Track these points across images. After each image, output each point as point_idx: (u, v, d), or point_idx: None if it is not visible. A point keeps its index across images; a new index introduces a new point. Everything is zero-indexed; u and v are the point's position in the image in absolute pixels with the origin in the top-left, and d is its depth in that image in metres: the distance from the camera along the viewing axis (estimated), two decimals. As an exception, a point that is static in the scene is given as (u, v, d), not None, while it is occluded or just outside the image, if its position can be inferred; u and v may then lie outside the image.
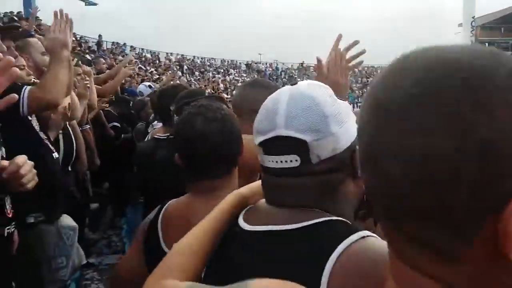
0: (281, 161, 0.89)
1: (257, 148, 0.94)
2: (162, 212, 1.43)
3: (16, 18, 8.40)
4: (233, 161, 1.38)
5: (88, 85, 3.57)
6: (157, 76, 17.84)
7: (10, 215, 1.52)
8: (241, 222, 0.96)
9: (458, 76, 0.45)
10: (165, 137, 2.44)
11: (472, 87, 0.44)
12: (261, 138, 0.91)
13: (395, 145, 0.47)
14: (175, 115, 2.12)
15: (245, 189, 1.05)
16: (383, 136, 0.48)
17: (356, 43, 1.71)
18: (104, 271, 4.59)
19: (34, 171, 1.49)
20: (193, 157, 1.37)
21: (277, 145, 0.89)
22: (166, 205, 1.44)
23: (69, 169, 3.33)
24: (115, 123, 5.30)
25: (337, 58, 1.65)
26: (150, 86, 5.41)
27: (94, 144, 4.28)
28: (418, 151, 0.45)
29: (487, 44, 58.05)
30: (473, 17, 56.40)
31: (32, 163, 1.49)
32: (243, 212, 1.00)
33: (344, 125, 0.88)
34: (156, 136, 2.56)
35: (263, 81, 1.92)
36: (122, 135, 5.34)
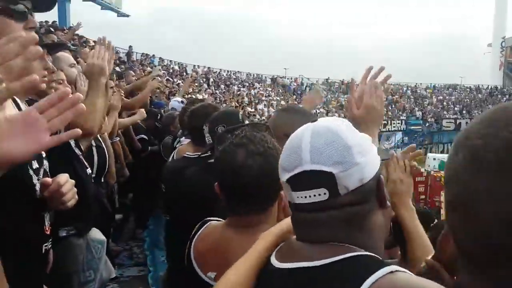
0: (310, 196, 0.91)
1: (285, 185, 0.96)
2: (198, 235, 1.44)
3: (52, 29, 8.62)
4: (273, 197, 1.34)
5: (123, 97, 3.66)
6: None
7: (48, 232, 1.55)
8: (273, 260, 0.99)
9: None
10: (195, 156, 2.46)
11: None
12: (288, 175, 0.93)
13: (493, 192, 0.50)
14: (208, 136, 2.14)
15: (276, 228, 1.08)
16: (480, 182, 0.51)
17: (382, 69, 1.73)
18: (126, 283, 4.62)
19: (75, 189, 1.52)
20: (232, 189, 1.34)
21: (304, 180, 0.91)
22: (203, 228, 1.45)
23: (102, 180, 3.40)
24: (143, 136, 5.38)
25: (370, 85, 1.67)
26: (182, 102, 5.48)
27: (123, 156, 4.35)
28: None
29: (516, 64, 56.72)
30: (503, 37, 55.62)
31: (73, 181, 1.52)
32: (275, 250, 1.02)
33: (367, 155, 0.91)
34: (185, 155, 2.59)
35: (297, 107, 1.97)
36: (149, 148, 5.42)
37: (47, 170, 1.56)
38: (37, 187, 1.46)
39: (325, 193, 0.89)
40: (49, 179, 1.47)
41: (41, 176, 1.48)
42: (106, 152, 3.39)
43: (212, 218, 1.49)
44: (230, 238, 1.34)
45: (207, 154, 2.23)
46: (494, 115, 0.55)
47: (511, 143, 0.50)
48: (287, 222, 1.06)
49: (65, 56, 3.08)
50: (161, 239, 4.83)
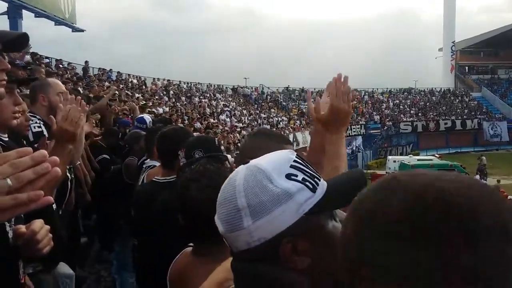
0: None
1: None
2: (174, 261, 1.52)
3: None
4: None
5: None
6: (144, 102, 17.82)
7: (23, 281, 1.48)
8: None
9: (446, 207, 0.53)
10: (165, 181, 2.44)
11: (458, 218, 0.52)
12: None
13: (377, 255, 0.54)
14: (184, 161, 2.14)
15: (223, 272, 1.09)
16: (365, 245, 0.56)
17: (346, 78, 1.80)
18: (95, 310, 4.48)
19: (50, 235, 1.45)
20: (188, 221, 1.45)
21: None
22: (179, 254, 1.52)
23: (60, 211, 3.25)
24: (105, 156, 5.24)
25: (338, 89, 1.74)
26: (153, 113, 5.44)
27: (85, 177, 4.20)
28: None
29: (467, 68, 59.69)
30: (453, 42, 57.99)
31: (48, 227, 1.45)
32: None
33: (262, 218, 0.83)
34: (154, 179, 2.55)
35: (265, 131, 2.02)
36: (112, 167, 5.28)
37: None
38: (10, 234, 1.39)
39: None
40: (23, 228, 1.40)
41: (13, 223, 1.41)
42: (69, 180, 3.25)
43: (191, 244, 1.53)
44: (191, 266, 1.40)
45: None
46: (388, 185, 0.60)
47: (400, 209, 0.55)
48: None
49: (55, 83, 3.08)
50: (129, 261, 4.72)
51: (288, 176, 0.86)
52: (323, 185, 0.89)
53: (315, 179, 0.89)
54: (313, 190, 0.87)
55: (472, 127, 45.36)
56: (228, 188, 0.88)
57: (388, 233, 0.54)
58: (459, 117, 46.26)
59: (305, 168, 0.89)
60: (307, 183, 0.86)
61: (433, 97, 51.00)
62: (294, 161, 0.90)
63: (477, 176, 25.11)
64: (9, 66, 1.40)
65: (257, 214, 0.83)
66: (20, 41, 1.39)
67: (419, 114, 46.57)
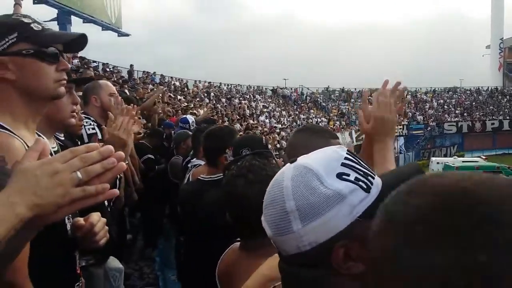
0: None
1: None
2: (222, 257, 1.54)
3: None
4: None
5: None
6: (186, 104, 18.13)
7: (79, 271, 1.56)
8: None
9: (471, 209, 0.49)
10: (210, 179, 2.50)
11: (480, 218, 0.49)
12: None
13: (398, 258, 0.52)
14: (231, 158, 2.18)
15: (267, 270, 1.10)
16: (387, 245, 0.54)
17: (398, 84, 1.74)
18: (138, 305, 4.61)
19: (106, 228, 1.54)
20: (235, 217, 1.45)
21: None
22: (227, 250, 1.53)
23: (109, 208, 3.39)
24: (150, 155, 5.39)
25: (383, 95, 1.68)
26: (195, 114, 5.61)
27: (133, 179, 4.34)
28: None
29: (516, 65, 56.70)
30: (501, 39, 55.68)
31: (105, 220, 1.54)
32: None
33: (312, 222, 0.79)
34: (200, 178, 2.61)
35: (313, 127, 1.98)
36: (156, 167, 5.43)
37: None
38: (68, 227, 1.47)
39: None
40: (81, 221, 1.48)
41: (70, 215, 1.48)
42: (118, 177, 3.39)
43: (238, 239, 1.55)
44: (238, 261, 1.41)
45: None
46: (415, 183, 0.58)
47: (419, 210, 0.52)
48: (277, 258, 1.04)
49: (106, 84, 3.18)
50: (171, 259, 4.83)
51: (340, 176, 0.81)
52: (377, 183, 0.83)
53: (369, 177, 0.83)
54: (367, 190, 0.81)
55: (521, 127, 43.39)
56: (275, 190, 0.84)
57: (407, 235, 0.52)
58: (507, 117, 44.30)
59: (358, 166, 0.83)
60: (360, 182, 0.81)
61: (479, 96, 49.13)
62: (345, 158, 0.84)
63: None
64: (69, 66, 1.47)
65: (307, 218, 0.79)
66: (79, 41, 1.46)
67: (465, 114, 44.95)
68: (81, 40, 1.46)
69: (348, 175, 0.81)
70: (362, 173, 0.82)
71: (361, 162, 0.85)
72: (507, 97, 49.14)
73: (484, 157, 29.27)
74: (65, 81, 1.43)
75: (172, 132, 6.22)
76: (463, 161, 25.25)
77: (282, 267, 0.88)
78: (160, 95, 8.08)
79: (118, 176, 3.25)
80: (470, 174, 0.54)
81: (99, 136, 2.87)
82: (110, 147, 0.92)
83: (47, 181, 0.86)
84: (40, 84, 1.36)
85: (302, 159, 0.86)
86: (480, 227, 0.48)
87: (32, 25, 1.34)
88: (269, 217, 0.84)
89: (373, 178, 0.83)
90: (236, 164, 1.51)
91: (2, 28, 1.31)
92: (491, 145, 41.06)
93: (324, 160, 0.83)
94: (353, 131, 32.95)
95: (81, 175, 0.88)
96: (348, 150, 0.87)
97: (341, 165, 0.82)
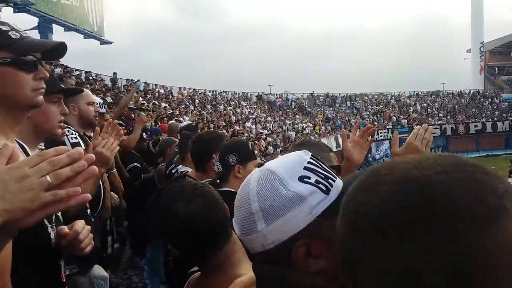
0: None
1: None
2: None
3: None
4: (223, 231, 1.37)
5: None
6: (171, 111, 18.05)
7: (64, 279, 1.52)
8: None
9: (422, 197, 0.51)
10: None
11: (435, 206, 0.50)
12: None
13: (367, 257, 0.54)
14: (218, 164, 2.17)
15: (246, 277, 1.10)
16: (358, 247, 0.56)
17: (429, 124, 2.10)
18: (128, 314, 4.54)
19: (91, 235, 1.52)
20: (184, 242, 1.40)
21: None
22: (187, 283, 1.49)
23: (94, 216, 3.32)
24: (136, 164, 5.32)
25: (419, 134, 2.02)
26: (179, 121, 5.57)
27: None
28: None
29: (496, 68, 58.35)
30: (481, 42, 56.81)
31: (89, 228, 1.52)
32: None
33: (275, 222, 0.84)
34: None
35: (310, 142, 2.12)
36: (143, 176, 5.35)
37: (58, 214, 1.53)
38: (52, 235, 1.45)
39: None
40: (66, 229, 1.46)
41: (54, 224, 1.46)
42: (101, 187, 3.33)
43: (193, 270, 1.50)
44: (207, 285, 1.37)
45: (211, 181, 2.22)
46: (368, 179, 0.59)
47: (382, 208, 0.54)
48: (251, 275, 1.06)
49: (85, 93, 3.08)
50: (160, 267, 4.77)
51: (301, 179, 0.86)
52: (338, 186, 0.88)
53: (330, 180, 0.88)
54: (326, 192, 0.86)
55: (503, 129, 44.15)
56: (243, 192, 0.89)
57: (372, 233, 0.53)
58: (490, 119, 45.13)
59: (319, 170, 0.88)
60: (320, 185, 0.86)
61: (462, 100, 49.93)
62: (308, 162, 0.89)
63: (510, 180, 24.41)
64: (48, 75, 1.44)
65: (270, 218, 0.84)
66: (59, 49, 1.44)
67: (448, 117, 45.63)
68: (61, 48, 1.44)
69: (309, 178, 0.86)
70: (323, 176, 0.88)
71: (324, 166, 0.90)
72: (489, 99, 50.04)
73: (468, 159, 29.61)
74: (43, 90, 1.41)
75: (160, 138, 6.19)
76: (447, 163, 25.55)
77: (253, 266, 0.94)
78: (135, 94, 7.98)
79: (102, 186, 3.20)
80: (419, 160, 0.56)
81: (82, 145, 2.81)
82: (80, 149, 0.90)
83: (16, 186, 0.84)
84: (17, 93, 1.33)
85: (268, 163, 0.92)
86: (436, 214, 0.49)
87: (10, 33, 1.31)
88: (237, 218, 0.90)
89: (334, 181, 0.88)
90: (162, 194, 1.45)
91: None
92: (474, 147, 41.74)
93: (287, 163, 0.89)
94: (338, 136, 33.17)
95: (50, 179, 0.86)
96: (312, 155, 0.92)
97: (304, 168, 0.87)
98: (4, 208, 0.83)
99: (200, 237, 1.34)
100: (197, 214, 1.33)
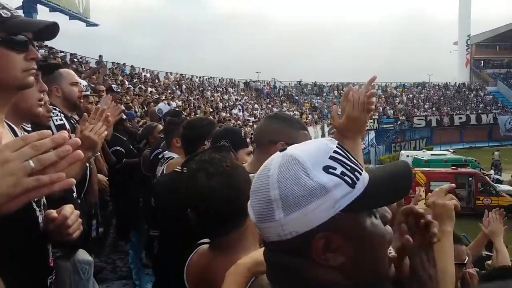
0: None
1: None
2: (189, 260, 1.46)
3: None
4: (239, 216, 1.34)
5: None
6: (157, 96, 17.88)
7: (52, 264, 1.50)
8: None
9: None
10: (188, 171, 2.42)
11: None
12: None
13: None
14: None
15: (248, 259, 1.10)
16: None
17: (374, 78, 1.86)
18: (111, 298, 4.52)
19: (80, 220, 1.49)
20: (202, 213, 1.38)
21: None
22: (193, 253, 1.47)
23: (81, 199, 3.26)
24: (118, 147, 5.24)
25: (358, 96, 1.74)
26: (169, 104, 5.50)
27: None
28: None
29: (482, 62, 58.90)
30: (468, 35, 57.24)
31: (78, 212, 1.49)
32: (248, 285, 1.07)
33: (294, 212, 0.80)
34: (177, 169, 2.52)
35: (282, 114, 2.03)
36: (124, 160, 5.28)
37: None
38: (40, 219, 1.42)
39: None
40: (54, 213, 1.43)
41: (42, 208, 1.43)
42: (88, 171, 3.27)
43: (202, 242, 1.48)
44: (214, 264, 1.36)
45: None
46: None
47: None
48: (259, 253, 1.04)
49: (68, 73, 3.01)
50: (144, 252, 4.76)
51: (326, 169, 0.81)
52: (364, 179, 0.83)
53: (356, 172, 0.83)
54: (352, 185, 0.81)
55: (487, 122, 44.82)
56: (262, 177, 0.84)
57: None
58: (474, 112, 45.75)
59: (346, 160, 0.83)
60: (346, 177, 0.81)
61: (447, 92, 50.48)
62: (334, 151, 0.83)
63: (492, 171, 24.83)
64: (39, 55, 1.40)
65: (289, 208, 0.79)
66: (50, 29, 1.39)
67: (433, 108, 46.13)
68: (52, 28, 1.39)
69: (335, 168, 0.81)
70: (349, 167, 0.82)
71: (350, 157, 0.85)
72: (474, 92, 50.66)
73: (452, 151, 30.08)
74: (34, 71, 1.37)
75: (136, 121, 6.19)
76: (431, 154, 25.91)
77: (265, 253, 0.89)
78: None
79: (89, 168, 3.14)
80: None
81: (67, 127, 2.75)
82: (65, 133, 0.87)
83: None
84: (7, 73, 1.30)
85: (291, 149, 0.86)
86: None
87: (0, 11, 1.27)
88: (254, 204, 0.85)
89: (360, 173, 0.83)
90: (195, 158, 1.45)
91: None
92: (458, 139, 42.32)
93: (312, 151, 0.83)
94: (325, 125, 33.30)
95: (34, 163, 0.84)
96: (338, 143, 0.86)
97: (329, 158, 0.82)
98: None
99: (213, 212, 1.33)
100: (214, 191, 1.32)
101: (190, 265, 1.45)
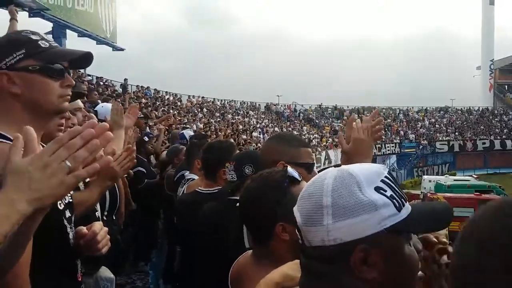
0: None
1: None
2: (235, 262, 1.52)
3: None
4: (267, 229, 1.41)
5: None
6: (179, 118, 18.14)
7: (80, 279, 1.59)
8: None
9: None
10: (208, 192, 2.56)
11: None
12: None
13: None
14: (233, 174, 2.21)
15: (277, 274, 1.12)
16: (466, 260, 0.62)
17: (377, 112, 1.98)
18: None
19: (108, 236, 1.60)
20: (248, 221, 1.51)
21: None
22: (240, 256, 1.53)
23: (113, 218, 3.39)
24: (140, 168, 5.34)
25: (364, 121, 1.89)
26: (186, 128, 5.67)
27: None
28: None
29: (506, 86, 57.64)
30: (491, 60, 56.57)
31: (107, 229, 1.60)
32: None
33: (343, 221, 0.86)
34: (197, 190, 2.65)
35: (284, 134, 2.13)
36: (146, 180, 5.39)
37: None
38: (71, 235, 1.52)
39: (302, 240, 0.94)
40: (84, 229, 1.55)
41: (73, 225, 1.54)
42: (118, 192, 3.39)
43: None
44: (248, 266, 1.43)
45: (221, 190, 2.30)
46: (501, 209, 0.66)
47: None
48: (288, 267, 1.11)
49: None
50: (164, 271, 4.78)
51: (377, 189, 0.88)
52: (408, 207, 0.91)
53: (402, 199, 0.91)
54: (399, 209, 0.88)
55: (512, 147, 43.81)
56: (315, 184, 0.91)
57: (483, 251, 0.60)
58: (498, 137, 44.82)
59: (395, 187, 0.91)
60: (394, 200, 0.88)
61: (470, 116, 49.69)
62: (386, 177, 0.91)
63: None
64: (73, 82, 1.50)
65: (339, 216, 0.86)
66: (85, 58, 1.50)
67: (456, 133, 45.40)
68: (87, 58, 1.50)
69: (385, 190, 0.89)
70: (397, 194, 0.90)
71: (398, 186, 0.93)
72: (498, 117, 49.75)
73: (475, 176, 29.37)
74: (69, 97, 1.48)
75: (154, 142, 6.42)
76: (454, 180, 25.33)
77: (302, 261, 0.95)
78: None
79: (118, 193, 3.25)
80: None
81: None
82: (91, 130, 0.95)
83: (40, 175, 0.91)
84: (44, 99, 1.40)
85: (347, 166, 0.94)
86: None
87: (40, 42, 1.39)
88: (303, 208, 0.91)
89: (405, 202, 0.92)
90: (242, 184, 1.57)
91: (11, 45, 1.37)
92: (482, 165, 41.42)
93: (366, 171, 0.91)
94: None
95: (70, 163, 0.93)
96: (389, 172, 0.94)
97: (381, 181, 0.90)
98: (34, 197, 0.90)
99: (255, 221, 1.43)
100: (259, 203, 1.40)
101: (235, 263, 1.52)
